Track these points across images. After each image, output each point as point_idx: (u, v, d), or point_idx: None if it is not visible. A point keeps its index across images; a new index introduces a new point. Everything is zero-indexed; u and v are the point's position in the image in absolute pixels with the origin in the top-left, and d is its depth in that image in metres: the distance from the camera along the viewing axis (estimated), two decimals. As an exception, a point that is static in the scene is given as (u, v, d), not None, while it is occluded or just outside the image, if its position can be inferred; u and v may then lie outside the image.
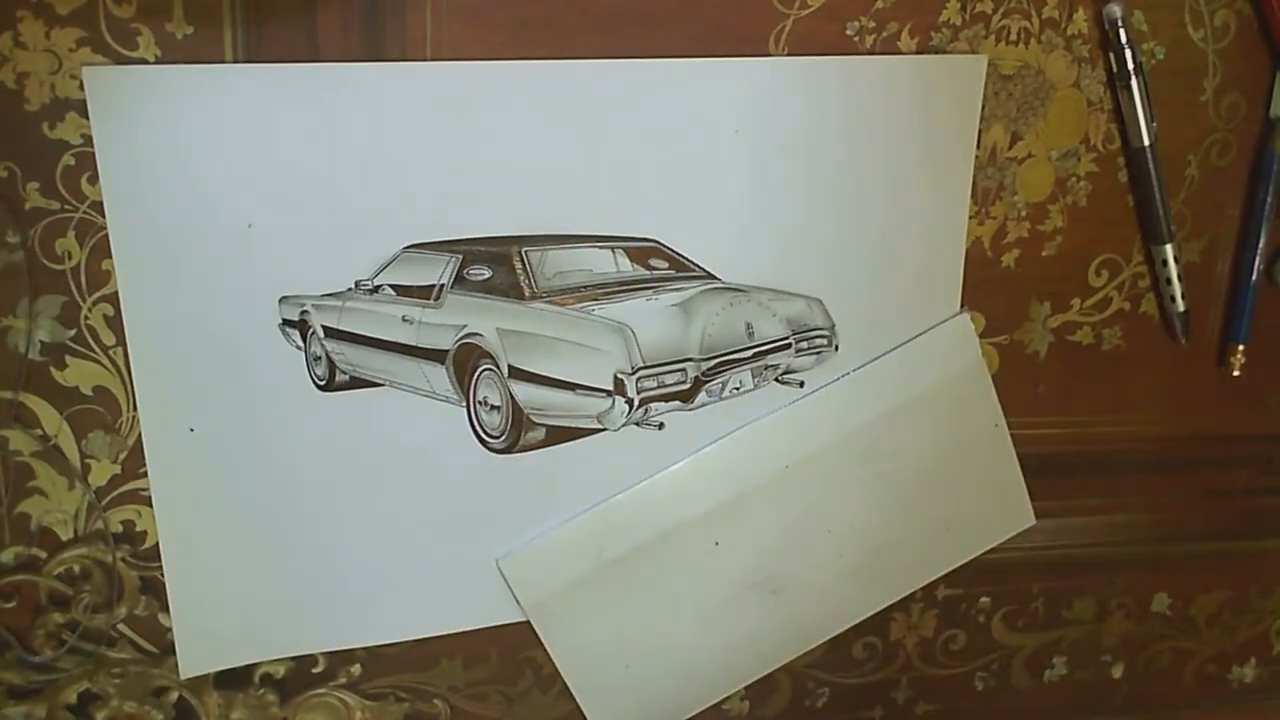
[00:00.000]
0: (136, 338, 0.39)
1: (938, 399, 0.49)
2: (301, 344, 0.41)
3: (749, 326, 0.45)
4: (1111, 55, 0.46)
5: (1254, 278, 0.51)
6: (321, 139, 0.39)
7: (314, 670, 0.45)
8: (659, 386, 0.43)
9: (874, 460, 0.48)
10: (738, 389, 0.45)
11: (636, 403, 0.43)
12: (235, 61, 0.38)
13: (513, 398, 0.43)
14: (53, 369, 0.39)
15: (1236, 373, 0.52)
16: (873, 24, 0.44)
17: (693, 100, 0.42)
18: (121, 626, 0.43)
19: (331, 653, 0.45)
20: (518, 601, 0.45)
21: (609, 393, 0.43)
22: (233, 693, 0.44)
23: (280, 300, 0.40)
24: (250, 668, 0.44)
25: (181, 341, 0.39)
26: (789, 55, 0.43)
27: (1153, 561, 0.55)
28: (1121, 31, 0.45)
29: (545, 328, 0.42)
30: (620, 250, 0.43)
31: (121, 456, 0.41)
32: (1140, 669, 0.57)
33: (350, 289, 0.41)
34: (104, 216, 0.38)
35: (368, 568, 0.44)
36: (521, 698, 0.46)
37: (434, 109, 0.40)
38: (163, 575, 0.42)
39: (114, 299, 0.39)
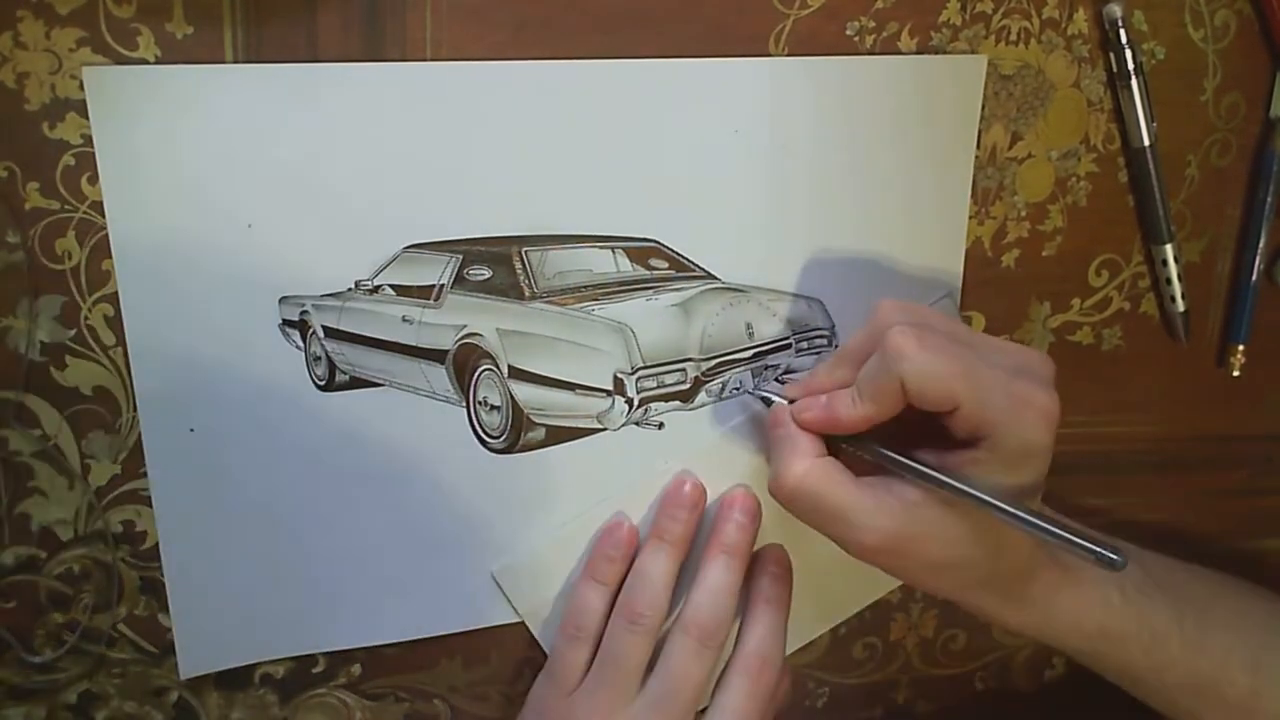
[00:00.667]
0: (136, 338, 0.39)
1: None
2: (301, 344, 0.41)
3: (749, 326, 0.45)
4: (1111, 55, 0.46)
5: (1254, 278, 0.51)
6: (321, 139, 0.39)
7: (314, 670, 0.45)
8: (659, 386, 0.43)
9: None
10: (738, 389, 0.45)
11: (636, 402, 0.43)
12: (235, 61, 0.38)
13: (513, 398, 0.43)
14: (53, 369, 0.39)
15: (1236, 373, 0.52)
16: (873, 24, 0.44)
17: (693, 100, 0.42)
18: (121, 626, 0.43)
19: (331, 653, 0.45)
20: (514, 609, 0.45)
21: (609, 393, 0.43)
22: (233, 693, 0.44)
23: (280, 300, 0.40)
24: (250, 668, 0.44)
25: (181, 342, 0.39)
26: (789, 55, 0.43)
27: (1153, 561, 0.55)
28: (1121, 31, 0.45)
29: (545, 328, 0.42)
30: (620, 250, 0.43)
31: (121, 456, 0.41)
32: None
33: (350, 289, 0.41)
34: (104, 216, 0.38)
35: (368, 568, 0.44)
36: (521, 698, 0.46)
37: (434, 109, 0.40)
38: (163, 575, 0.42)
39: (114, 299, 0.39)
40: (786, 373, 0.46)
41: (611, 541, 0.44)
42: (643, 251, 0.43)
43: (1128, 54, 0.46)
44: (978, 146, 0.46)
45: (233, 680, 0.44)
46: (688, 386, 0.44)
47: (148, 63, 0.37)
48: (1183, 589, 0.44)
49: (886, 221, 0.46)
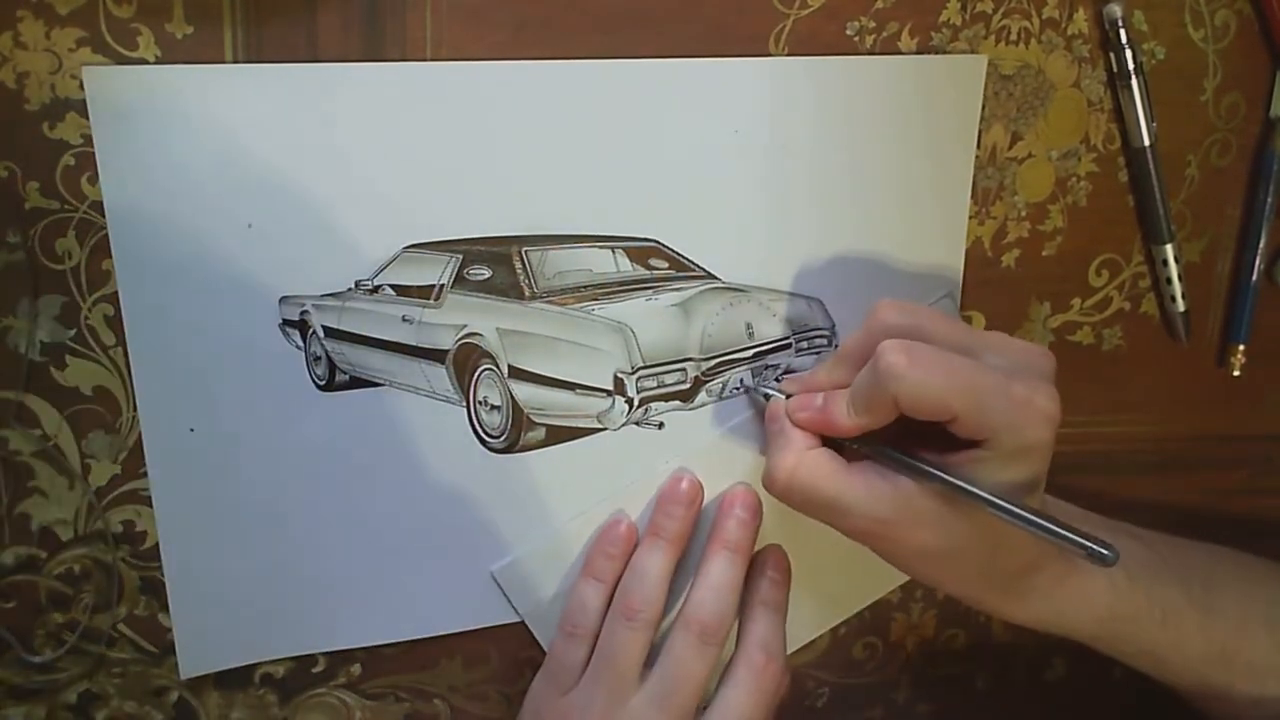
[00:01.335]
0: (136, 338, 0.39)
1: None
2: (301, 344, 0.41)
3: (749, 326, 0.45)
4: (1111, 55, 0.46)
5: (1254, 278, 0.51)
6: (321, 139, 0.39)
7: (314, 670, 0.45)
8: (659, 386, 0.43)
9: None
10: (738, 389, 0.45)
11: (636, 402, 0.43)
12: (235, 61, 0.38)
13: (513, 397, 0.43)
14: (53, 369, 0.39)
15: (1236, 373, 0.52)
16: (873, 24, 0.44)
17: (693, 100, 0.42)
18: (121, 626, 0.43)
19: (331, 653, 0.45)
20: (514, 609, 0.45)
21: (609, 392, 0.43)
22: (233, 693, 0.44)
23: (280, 300, 0.40)
24: (250, 668, 0.44)
25: (181, 341, 0.39)
26: (789, 55, 0.43)
27: (1153, 561, 0.55)
28: (1121, 31, 0.45)
29: (545, 327, 0.42)
30: (620, 250, 0.43)
31: (121, 456, 0.41)
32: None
33: (350, 289, 0.41)
34: (104, 216, 0.38)
35: (368, 567, 0.44)
36: (521, 697, 0.46)
37: (434, 109, 0.40)
38: (163, 575, 0.42)
39: (114, 299, 0.39)
40: (786, 372, 0.46)
41: (610, 539, 0.44)
42: (643, 251, 0.43)
43: (1128, 54, 0.46)
44: (978, 146, 0.46)
45: (233, 680, 0.44)
46: (688, 386, 0.44)
47: (148, 63, 0.37)
48: (1185, 560, 0.44)
49: (886, 221, 0.46)
